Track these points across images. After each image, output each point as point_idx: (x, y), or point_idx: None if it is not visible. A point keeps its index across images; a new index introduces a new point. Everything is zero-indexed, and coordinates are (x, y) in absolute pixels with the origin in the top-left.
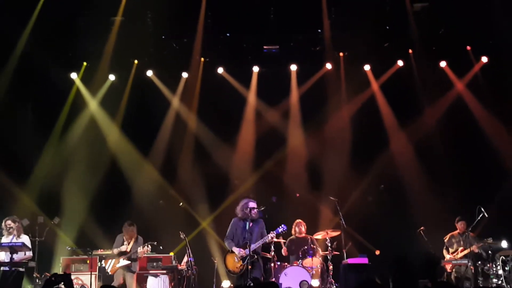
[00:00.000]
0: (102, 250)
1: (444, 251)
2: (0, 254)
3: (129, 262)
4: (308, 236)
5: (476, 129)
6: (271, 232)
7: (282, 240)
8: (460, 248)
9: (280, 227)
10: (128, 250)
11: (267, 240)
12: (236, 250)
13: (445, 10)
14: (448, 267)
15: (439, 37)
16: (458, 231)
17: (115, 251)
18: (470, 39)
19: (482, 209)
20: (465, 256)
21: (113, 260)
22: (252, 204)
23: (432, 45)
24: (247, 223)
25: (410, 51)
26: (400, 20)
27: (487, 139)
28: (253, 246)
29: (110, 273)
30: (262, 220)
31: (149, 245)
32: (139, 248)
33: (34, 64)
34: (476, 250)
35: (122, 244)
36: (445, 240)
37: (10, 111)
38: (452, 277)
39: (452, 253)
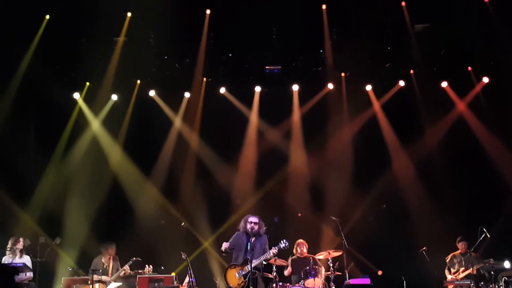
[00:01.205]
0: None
1: (446, 271)
2: None
3: (120, 283)
4: (310, 256)
5: (477, 149)
6: (273, 247)
7: (284, 262)
8: (462, 269)
9: (282, 242)
10: (110, 273)
11: (268, 256)
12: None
13: (446, 31)
14: (451, 287)
15: (440, 57)
16: (459, 251)
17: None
18: (471, 59)
19: (484, 230)
20: (467, 277)
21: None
22: (252, 219)
23: (433, 66)
24: (250, 239)
25: (412, 71)
26: (401, 40)
27: (488, 159)
28: (254, 262)
29: None
30: (266, 236)
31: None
32: (122, 270)
33: (37, 84)
34: (475, 272)
35: (102, 267)
36: (447, 260)
37: (13, 131)
38: None
39: (454, 273)
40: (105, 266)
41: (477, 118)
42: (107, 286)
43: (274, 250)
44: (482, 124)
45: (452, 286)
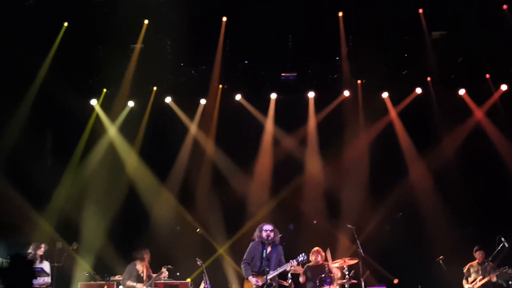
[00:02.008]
0: (119, 276)
1: (464, 282)
2: None
3: None
4: (326, 264)
5: (495, 158)
6: (291, 260)
7: (299, 269)
8: (479, 278)
9: (301, 256)
10: (145, 278)
11: (287, 269)
12: (252, 280)
13: (464, 38)
14: None
15: (457, 65)
16: (477, 261)
17: (129, 283)
18: (489, 67)
19: (503, 239)
20: (484, 286)
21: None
22: (267, 227)
23: (450, 73)
24: (265, 248)
25: (429, 78)
26: (418, 47)
27: (506, 168)
28: (271, 273)
29: None
30: (281, 246)
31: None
32: (160, 273)
33: (54, 91)
34: (494, 279)
35: (137, 274)
36: (464, 271)
37: (30, 138)
38: None
39: (471, 282)
40: (140, 273)
41: (495, 126)
42: None
43: (293, 264)
44: (500, 132)
45: None
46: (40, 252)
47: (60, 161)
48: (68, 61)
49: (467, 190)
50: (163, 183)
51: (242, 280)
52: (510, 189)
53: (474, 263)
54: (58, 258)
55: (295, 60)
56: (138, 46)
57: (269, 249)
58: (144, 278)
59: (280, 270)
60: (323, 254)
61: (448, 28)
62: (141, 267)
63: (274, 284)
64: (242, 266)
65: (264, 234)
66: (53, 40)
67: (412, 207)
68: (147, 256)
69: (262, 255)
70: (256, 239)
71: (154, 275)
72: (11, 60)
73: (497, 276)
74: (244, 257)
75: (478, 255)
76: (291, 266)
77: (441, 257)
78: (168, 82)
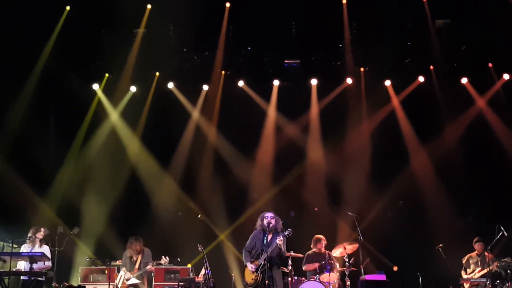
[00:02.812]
0: (120, 261)
1: (462, 272)
2: (20, 263)
3: (138, 281)
4: (326, 251)
5: (497, 147)
6: (278, 236)
7: (299, 255)
8: (478, 269)
9: (286, 230)
10: (137, 267)
11: (277, 248)
12: (249, 266)
13: (467, 27)
14: (467, 286)
15: (460, 53)
16: (476, 252)
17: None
18: (492, 56)
19: (502, 228)
20: (483, 276)
21: (124, 276)
22: (268, 215)
23: (453, 62)
24: (266, 235)
25: (431, 67)
26: (422, 36)
27: (508, 156)
28: (264, 254)
29: None
30: (283, 233)
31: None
32: (149, 265)
33: (57, 76)
34: (496, 268)
35: (130, 261)
36: (463, 261)
37: (32, 122)
38: None
39: (470, 273)
40: (132, 260)
41: (497, 115)
42: (127, 281)
43: (278, 240)
44: (502, 121)
45: (468, 284)
46: (40, 235)
47: (62, 145)
48: (70, 45)
49: (469, 179)
50: (165, 169)
51: (244, 266)
52: (511, 177)
53: (473, 254)
54: (59, 242)
55: (299, 47)
56: (141, 31)
57: (270, 236)
58: (136, 266)
59: (270, 250)
60: (325, 242)
61: (452, 17)
62: (131, 254)
63: (268, 264)
64: (243, 253)
65: (265, 221)
66: (55, 24)
67: (414, 196)
68: (134, 246)
69: (263, 242)
70: (258, 228)
71: (148, 267)
72: (14, 44)
73: (498, 266)
74: (246, 244)
75: (477, 246)
76: (279, 240)
77: (440, 245)
78: (171, 68)
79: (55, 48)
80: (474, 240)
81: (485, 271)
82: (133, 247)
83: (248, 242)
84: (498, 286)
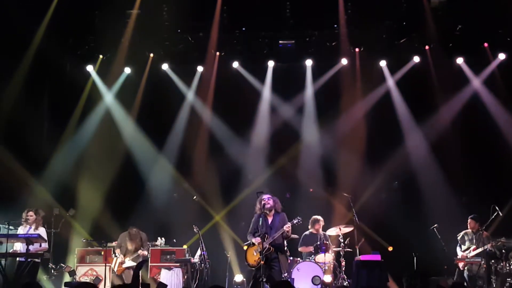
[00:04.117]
0: (116, 242)
1: (458, 249)
2: (16, 245)
3: (135, 264)
4: (321, 232)
5: (492, 127)
6: (286, 223)
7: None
8: (473, 247)
9: (296, 218)
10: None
11: (284, 233)
12: (255, 240)
13: (463, 7)
14: (461, 265)
15: (456, 33)
16: (471, 229)
17: (118, 252)
18: (487, 35)
19: (497, 208)
20: (478, 255)
21: (118, 259)
22: (264, 196)
23: (449, 42)
24: (266, 217)
25: (427, 47)
26: (417, 16)
27: (503, 136)
28: (270, 238)
29: (117, 273)
30: (284, 214)
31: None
32: (142, 251)
33: (50, 57)
34: (491, 248)
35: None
36: (458, 238)
37: (27, 104)
38: (465, 275)
39: (464, 250)
40: (130, 248)
41: (492, 95)
42: (125, 262)
43: (287, 227)
44: (497, 101)
45: (463, 263)
46: (31, 217)
47: (57, 127)
48: (64, 27)
49: (464, 159)
50: (160, 150)
51: (246, 248)
52: (506, 158)
53: (469, 231)
54: (55, 224)
55: (293, 28)
56: (135, 11)
57: (270, 218)
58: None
59: (276, 234)
60: (323, 223)
61: None
62: (128, 243)
63: (272, 249)
64: (248, 237)
65: (262, 203)
66: (48, 5)
67: (408, 176)
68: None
69: (265, 223)
70: (258, 211)
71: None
72: (7, 24)
73: (493, 246)
74: (249, 229)
75: (469, 222)
76: (286, 228)
77: (435, 225)
78: (165, 49)
79: (48, 30)
80: (470, 217)
81: (480, 249)
82: (133, 237)
83: (250, 226)
84: (492, 265)
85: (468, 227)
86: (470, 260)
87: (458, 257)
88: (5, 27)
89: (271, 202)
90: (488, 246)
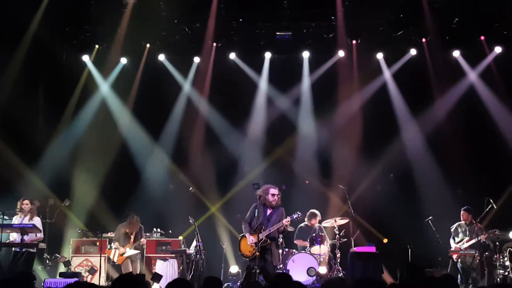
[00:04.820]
0: (111, 232)
1: (451, 240)
2: (12, 235)
3: (138, 251)
4: (317, 225)
5: (488, 119)
6: (286, 217)
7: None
8: (466, 238)
9: (296, 213)
10: (132, 241)
11: (282, 227)
12: (249, 238)
13: (460, 0)
14: (455, 256)
15: (453, 26)
16: (464, 220)
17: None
18: (484, 29)
19: (491, 200)
20: (472, 247)
21: (117, 250)
22: (273, 191)
23: (445, 35)
24: (266, 210)
25: (424, 40)
26: (414, 8)
27: (499, 129)
28: (266, 231)
29: (117, 263)
30: (283, 208)
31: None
32: (142, 240)
33: (46, 47)
34: (485, 239)
35: (125, 236)
36: (452, 230)
37: (22, 93)
38: (458, 267)
39: (457, 242)
40: (127, 235)
41: (488, 88)
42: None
43: (286, 220)
44: (493, 94)
45: (457, 255)
46: (26, 206)
47: (52, 117)
48: (60, 15)
49: (459, 151)
50: (156, 142)
51: (240, 236)
52: (501, 151)
53: (462, 222)
54: (50, 214)
55: (291, 19)
56: (131, 1)
57: (269, 210)
58: (131, 241)
59: (274, 227)
60: (320, 218)
61: None
62: (127, 229)
63: (269, 241)
64: (242, 225)
65: (271, 198)
66: None
67: (404, 168)
68: (131, 225)
69: (262, 215)
70: (261, 200)
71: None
72: (2, 14)
73: (486, 238)
74: (246, 217)
75: (462, 214)
76: (286, 222)
77: (430, 217)
78: (162, 39)
79: (44, 19)
80: (463, 208)
81: (473, 241)
82: (133, 224)
83: (248, 214)
84: (486, 257)
85: (461, 218)
86: (464, 252)
87: (452, 249)
88: (1, 16)
89: (277, 199)
90: (481, 238)
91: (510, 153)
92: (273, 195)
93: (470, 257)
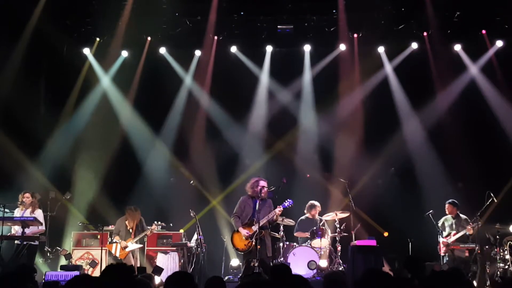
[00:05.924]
0: (112, 226)
1: (439, 237)
2: (15, 228)
3: (140, 245)
4: (318, 217)
5: (489, 113)
6: (278, 206)
7: (291, 222)
8: (453, 232)
9: (286, 201)
10: (133, 234)
11: (274, 216)
12: (243, 231)
13: None
14: (443, 250)
15: (454, 20)
16: (450, 214)
17: (117, 238)
18: (485, 22)
19: (492, 194)
20: (459, 240)
21: (118, 244)
22: (263, 183)
23: (447, 28)
24: (256, 202)
25: (425, 33)
26: (416, 2)
27: (500, 123)
28: (260, 222)
29: (119, 258)
30: (270, 200)
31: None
32: (147, 232)
33: (47, 39)
34: (471, 232)
35: (126, 229)
36: (439, 225)
37: (23, 86)
38: (445, 261)
39: (445, 237)
40: (128, 228)
41: (490, 82)
42: (125, 249)
43: (278, 209)
44: (494, 88)
45: (445, 249)
46: (27, 199)
47: (53, 110)
48: (61, 9)
49: (460, 145)
50: (157, 134)
51: (232, 232)
52: (502, 145)
53: (448, 216)
54: (51, 207)
55: (292, 13)
56: None
57: (259, 202)
58: (133, 233)
59: (266, 218)
60: (320, 209)
61: None
62: (129, 223)
63: (263, 232)
64: (232, 219)
65: (259, 189)
66: None
67: (405, 162)
68: (130, 216)
69: (254, 208)
70: (249, 192)
71: (143, 233)
72: (3, 6)
73: (485, 231)
74: (235, 210)
75: (450, 208)
76: (278, 211)
77: (431, 211)
78: (163, 33)
79: (45, 12)
80: (447, 202)
81: (460, 234)
82: (134, 216)
83: (236, 207)
84: (486, 251)
85: (447, 212)
86: (465, 245)
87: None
88: (1, 9)
89: (266, 190)
90: (467, 230)
91: (511, 146)
92: (263, 187)
93: (459, 250)
